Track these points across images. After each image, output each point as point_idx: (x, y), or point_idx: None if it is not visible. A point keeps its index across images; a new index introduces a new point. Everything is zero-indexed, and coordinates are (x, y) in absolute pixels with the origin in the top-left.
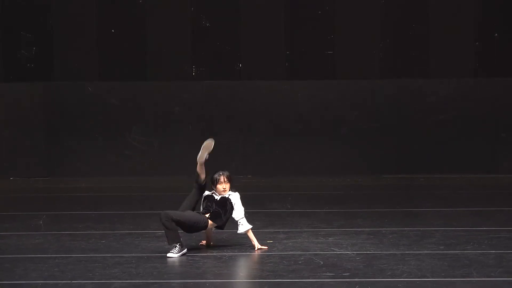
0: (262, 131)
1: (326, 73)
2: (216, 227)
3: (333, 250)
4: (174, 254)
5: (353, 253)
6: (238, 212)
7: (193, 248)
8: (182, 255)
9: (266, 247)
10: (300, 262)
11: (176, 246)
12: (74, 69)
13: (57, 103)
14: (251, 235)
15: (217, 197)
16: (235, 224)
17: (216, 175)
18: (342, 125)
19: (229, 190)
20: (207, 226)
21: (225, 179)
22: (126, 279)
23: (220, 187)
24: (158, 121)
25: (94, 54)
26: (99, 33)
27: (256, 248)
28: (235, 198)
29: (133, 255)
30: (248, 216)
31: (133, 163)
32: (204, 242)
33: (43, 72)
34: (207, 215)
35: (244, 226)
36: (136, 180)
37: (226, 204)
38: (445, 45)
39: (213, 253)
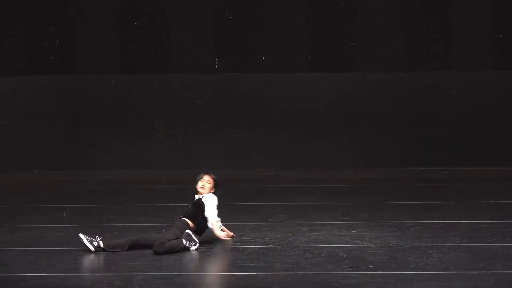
0: (284, 123)
1: (349, 65)
2: (196, 232)
3: (356, 243)
4: (195, 246)
5: (376, 246)
6: (210, 212)
7: (216, 241)
8: (199, 244)
9: (231, 234)
10: (323, 254)
11: (188, 242)
12: (97, 62)
13: (80, 96)
14: (217, 229)
15: (195, 199)
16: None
17: (200, 174)
18: (365, 118)
19: (209, 192)
20: (184, 229)
21: (207, 178)
22: (150, 272)
23: (199, 183)
24: (181, 113)
25: (116, 46)
26: (122, 25)
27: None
28: (208, 199)
29: None
30: (271, 209)
31: (156, 155)
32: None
33: (66, 65)
34: (183, 218)
35: (214, 226)
36: (159, 172)
37: (200, 204)
38: (467, 37)
39: (235, 245)
